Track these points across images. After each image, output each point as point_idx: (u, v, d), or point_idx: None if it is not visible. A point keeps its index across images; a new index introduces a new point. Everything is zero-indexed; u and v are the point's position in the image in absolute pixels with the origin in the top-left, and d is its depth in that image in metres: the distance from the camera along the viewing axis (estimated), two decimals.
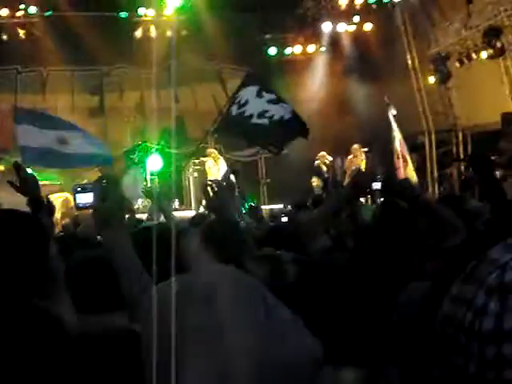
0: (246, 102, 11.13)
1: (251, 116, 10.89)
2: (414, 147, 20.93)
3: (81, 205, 3.33)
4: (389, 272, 3.58)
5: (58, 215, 10.46)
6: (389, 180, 6.89)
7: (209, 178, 19.65)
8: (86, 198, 3.29)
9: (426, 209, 4.58)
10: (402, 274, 3.51)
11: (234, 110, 11.14)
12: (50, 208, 4.39)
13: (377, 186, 8.33)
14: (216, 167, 19.54)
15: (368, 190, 8.22)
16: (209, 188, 5.68)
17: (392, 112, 18.74)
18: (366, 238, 4.29)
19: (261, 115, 10.83)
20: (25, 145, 9.42)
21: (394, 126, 18.87)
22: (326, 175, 20.01)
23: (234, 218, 5.72)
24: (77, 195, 3.34)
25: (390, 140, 19.07)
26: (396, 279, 3.36)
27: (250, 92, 11.27)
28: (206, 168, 19.85)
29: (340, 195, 5.30)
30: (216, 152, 19.90)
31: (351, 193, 5.08)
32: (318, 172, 19.82)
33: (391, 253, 3.84)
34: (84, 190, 3.32)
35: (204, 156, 20.36)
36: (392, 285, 3.26)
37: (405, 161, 18.78)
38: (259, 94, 11.14)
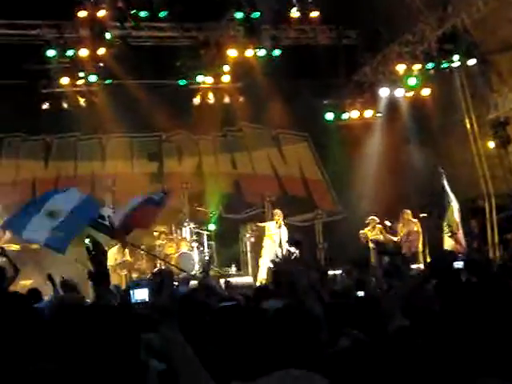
0: None
1: None
2: (474, 212, 20.68)
3: (137, 301, 3.30)
4: (463, 362, 3.44)
5: None
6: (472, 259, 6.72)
7: (267, 243, 19.54)
8: (142, 294, 3.26)
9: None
10: (477, 366, 3.38)
11: None
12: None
13: (458, 265, 7.96)
14: (277, 232, 19.33)
15: (447, 269, 7.88)
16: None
17: (444, 181, 18.85)
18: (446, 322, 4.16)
19: None
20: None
21: (452, 195, 18.94)
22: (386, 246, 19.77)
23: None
24: (132, 291, 3.31)
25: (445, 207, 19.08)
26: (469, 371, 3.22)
27: None
28: (266, 231, 19.68)
29: (416, 275, 5.21)
30: (281, 215, 19.68)
31: (428, 273, 4.98)
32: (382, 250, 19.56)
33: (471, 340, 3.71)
34: (139, 285, 3.29)
35: (261, 221, 20.34)
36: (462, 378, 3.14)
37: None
38: None
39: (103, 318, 2.91)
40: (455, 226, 19.11)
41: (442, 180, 19.20)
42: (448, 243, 18.97)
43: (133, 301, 3.33)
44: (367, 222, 20.14)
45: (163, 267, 17.78)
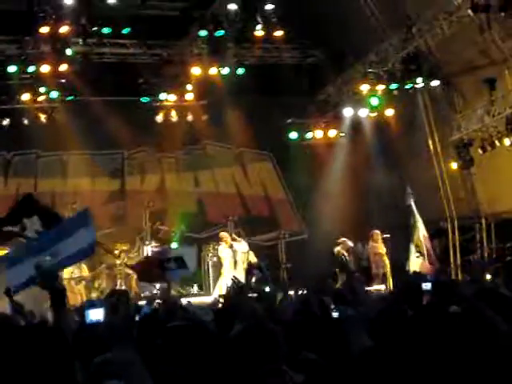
0: None
1: None
2: (437, 233, 20.75)
3: (92, 321, 3.18)
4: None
5: None
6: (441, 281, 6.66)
7: (223, 262, 19.43)
8: (96, 315, 3.15)
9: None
10: None
11: None
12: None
13: (426, 286, 7.86)
14: (229, 254, 19.28)
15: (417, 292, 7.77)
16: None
17: (411, 201, 18.91)
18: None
19: None
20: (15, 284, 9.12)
21: (418, 216, 18.97)
22: (349, 265, 19.77)
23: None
24: (86, 311, 3.19)
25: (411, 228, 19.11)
26: None
27: None
28: (219, 253, 19.62)
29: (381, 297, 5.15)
30: (227, 237, 19.65)
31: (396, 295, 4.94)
32: (341, 264, 19.58)
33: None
34: (94, 305, 3.17)
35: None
36: None
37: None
38: None
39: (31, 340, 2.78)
40: (421, 247, 19.14)
41: (409, 200, 19.20)
42: (414, 264, 18.94)
43: (87, 321, 3.21)
44: (338, 241, 20.12)
45: (123, 287, 17.60)
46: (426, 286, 7.90)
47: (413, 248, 19.18)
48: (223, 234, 19.82)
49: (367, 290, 13.97)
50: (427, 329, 4.48)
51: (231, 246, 19.43)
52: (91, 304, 3.21)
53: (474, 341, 3.94)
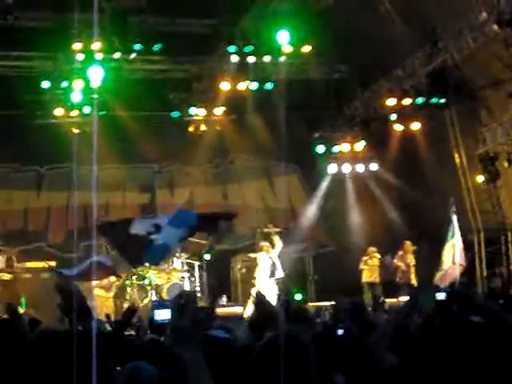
0: None
1: None
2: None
3: (159, 321, 3.36)
4: None
5: None
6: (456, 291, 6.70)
7: (260, 271, 19.44)
8: (164, 315, 3.31)
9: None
10: None
11: None
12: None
13: (441, 296, 7.94)
14: (268, 263, 19.23)
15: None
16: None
17: (454, 216, 18.85)
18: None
19: None
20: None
21: (457, 231, 19.00)
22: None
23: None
24: (155, 311, 3.37)
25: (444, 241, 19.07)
26: None
27: None
28: (259, 262, 19.52)
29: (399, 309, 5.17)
30: (269, 245, 19.64)
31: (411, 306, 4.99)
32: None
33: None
34: (162, 306, 3.35)
35: (252, 252, 20.34)
36: None
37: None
38: None
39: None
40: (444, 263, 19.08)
41: (451, 214, 19.12)
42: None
43: (155, 320, 3.37)
44: (367, 252, 20.27)
45: (155, 297, 17.83)
46: (440, 295, 8.00)
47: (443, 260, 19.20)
48: (263, 244, 19.63)
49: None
50: (452, 339, 4.56)
51: (270, 257, 19.28)
52: (160, 304, 3.41)
53: (501, 350, 4.10)
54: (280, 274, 18.59)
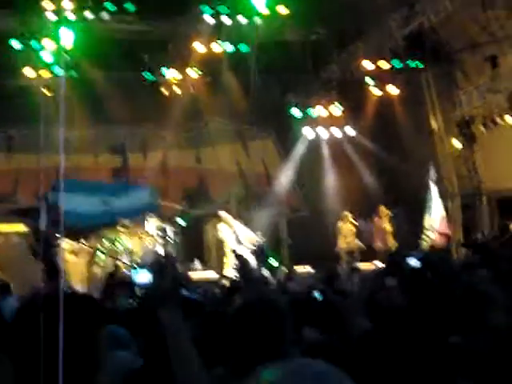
0: None
1: None
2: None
3: (140, 284, 3.33)
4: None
5: None
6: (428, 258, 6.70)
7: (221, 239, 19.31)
8: (144, 277, 3.28)
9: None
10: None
11: None
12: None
13: (416, 263, 7.86)
14: (230, 231, 19.05)
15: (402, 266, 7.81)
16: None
17: (432, 177, 18.88)
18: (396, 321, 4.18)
19: None
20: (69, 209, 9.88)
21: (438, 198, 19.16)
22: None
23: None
24: (134, 274, 3.34)
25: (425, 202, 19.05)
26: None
27: None
28: (219, 233, 19.37)
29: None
30: (226, 215, 19.33)
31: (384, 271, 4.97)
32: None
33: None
34: (141, 268, 3.31)
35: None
36: None
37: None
38: None
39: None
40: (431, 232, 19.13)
41: (430, 181, 19.17)
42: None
43: (136, 283, 3.36)
44: (341, 217, 20.23)
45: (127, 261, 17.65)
46: (414, 262, 7.91)
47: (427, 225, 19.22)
48: (223, 214, 19.44)
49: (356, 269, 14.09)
50: (424, 306, 4.56)
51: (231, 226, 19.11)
52: (141, 266, 3.34)
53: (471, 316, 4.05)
54: (255, 239, 18.51)
